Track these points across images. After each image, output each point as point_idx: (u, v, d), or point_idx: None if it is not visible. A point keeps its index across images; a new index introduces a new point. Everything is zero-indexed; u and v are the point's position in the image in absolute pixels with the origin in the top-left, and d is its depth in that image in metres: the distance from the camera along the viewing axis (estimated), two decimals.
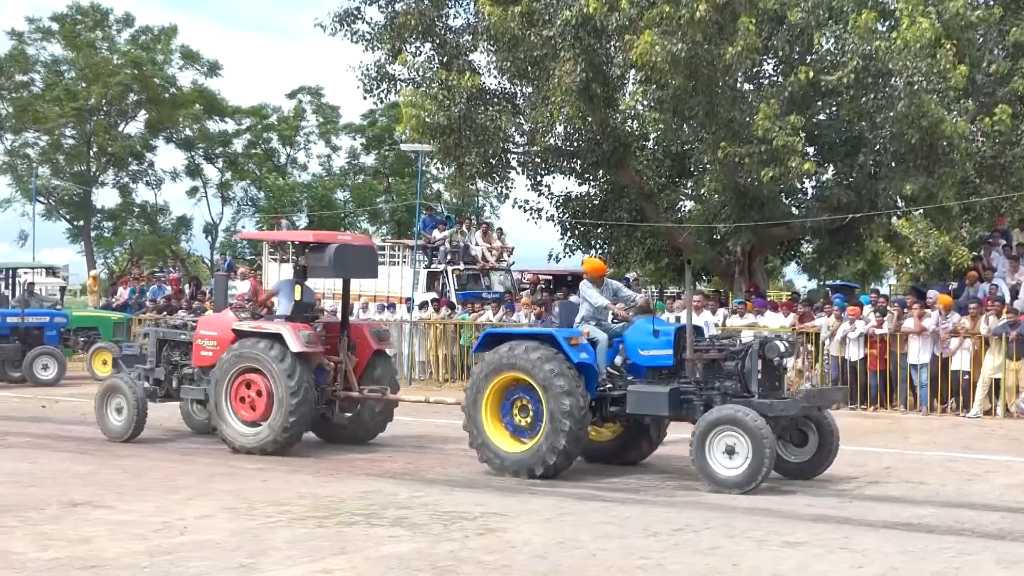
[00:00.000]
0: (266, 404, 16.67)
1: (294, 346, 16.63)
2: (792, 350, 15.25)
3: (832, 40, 25.83)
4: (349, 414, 18.07)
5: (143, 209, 66.86)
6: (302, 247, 18.19)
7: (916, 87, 24.05)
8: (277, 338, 16.77)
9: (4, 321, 28.72)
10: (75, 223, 64.79)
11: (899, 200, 27.33)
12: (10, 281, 33.08)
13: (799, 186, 29.21)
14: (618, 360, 15.29)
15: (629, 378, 15.06)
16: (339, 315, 19.14)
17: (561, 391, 14.19)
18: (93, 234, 64.91)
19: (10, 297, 31.45)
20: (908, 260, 37.43)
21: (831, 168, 29.79)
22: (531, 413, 14.69)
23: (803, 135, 25.66)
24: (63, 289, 44.41)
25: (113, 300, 38.48)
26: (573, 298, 17.05)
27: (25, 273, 36.05)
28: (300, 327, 16.96)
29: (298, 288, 17.57)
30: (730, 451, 13.47)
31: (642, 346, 14.85)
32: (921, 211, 25.75)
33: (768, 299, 28.17)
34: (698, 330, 15.42)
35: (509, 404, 14.92)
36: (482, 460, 15.03)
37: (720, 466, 13.53)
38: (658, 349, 14.70)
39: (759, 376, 14.22)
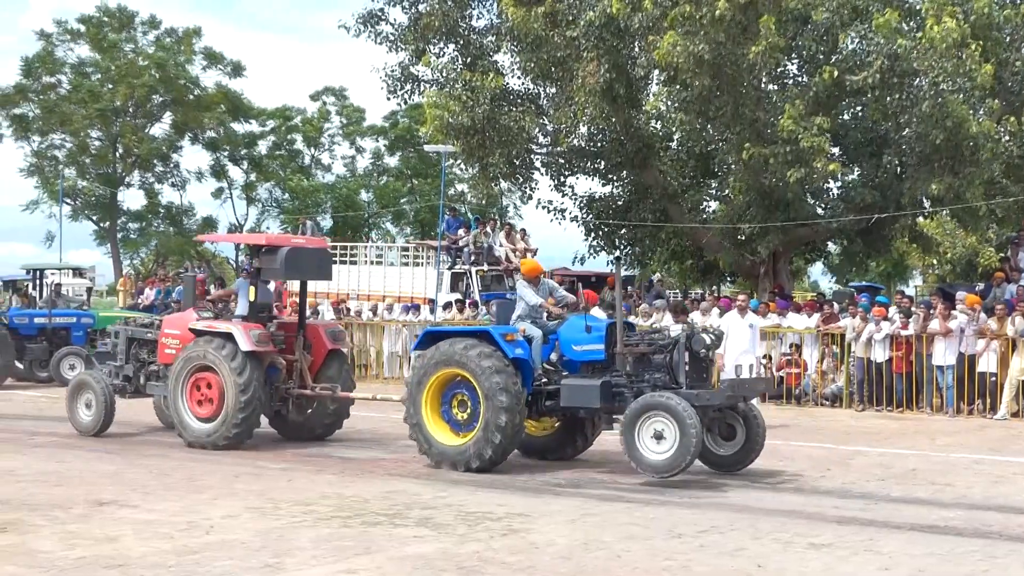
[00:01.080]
0: (218, 401, 17.22)
1: (244, 345, 17.14)
2: (718, 343, 15.78)
3: (857, 40, 25.75)
4: (309, 411, 18.57)
5: (168, 210, 67.15)
6: (256, 250, 18.55)
7: (941, 87, 23.96)
8: (229, 337, 17.31)
9: (32, 322, 28.88)
10: (101, 224, 65.11)
11: (925, 200, 27.23)
12: (38, 282, 33.28)
13: (824, 187, 29.12)
14: (553, 356, 15.79)
15: (563, 373, 15.56)
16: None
17: (499, 389, 14.71)
18: (119, 235, 65.21)
19: (38, 298, 31.65)
20: (935, 261, 37.26)
21: (856, 168, 29.69)
22: (469, 408, 15.20)
23: (828, 135, 25.59)
24: (90, 290, 44.66)
25: (139, 301, 38.65)
26: (509, 296, 17.42)
27: (52, 274, 36.27)
28: (251, 327, 17.46)
29: (252, 289, 18.01)
30: (658, 436, 13.90)
31: (575, 342, 15.37)
32: (947, 211, 25.63)
33: (791, 300, 28.06)
34: (629, 325, 15.95)
35: (448, 399, 15.42)
36: (422, 453, 15.59)
37: (648, 451, 13.94)
38: (590, 344, 15.23)
39: (687, 368, 14.75)
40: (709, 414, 14.62)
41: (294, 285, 35.24)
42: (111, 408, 18.74)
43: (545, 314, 15.96)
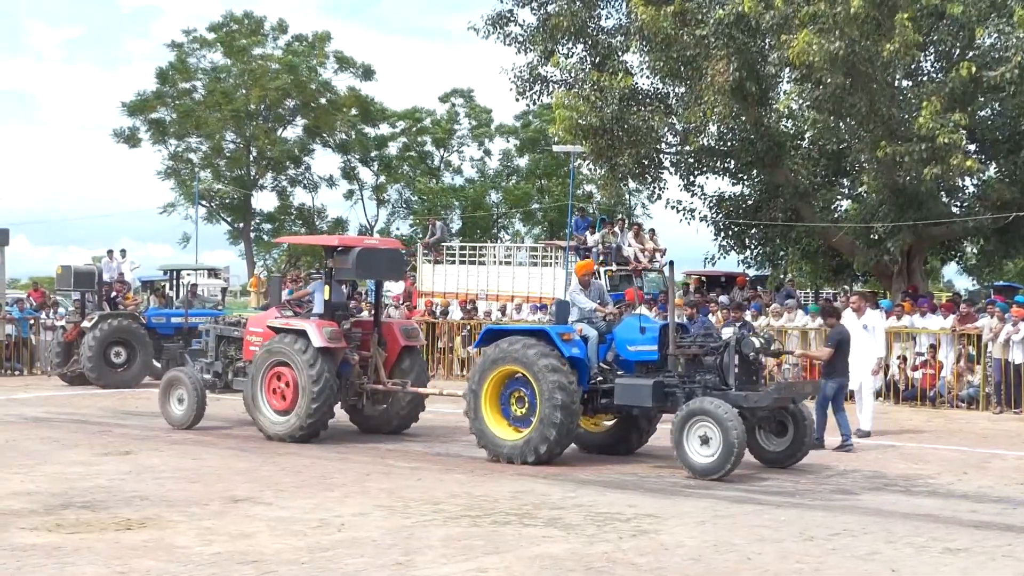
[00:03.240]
0: (293, 394, 17.93)
1: (316, 341, 17.80)
2: (768, 346, 15.99)
3: (995, 35, 25.18)
4: (384, 406, 19.15)
5: (300, 212, 68.19)
6: (330, 251, 19.10)
7: None
8: (303, 334, 18.00)
9: (169, 321, 29.48)
10: (235, 226, 66.34)
11: None
12: (174, 282, 34.00)
13: (960, 184, 28.54)
14: (609, 356, 16.23)
15: (618, 372, 16.11)
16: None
17: (556, 389, 15.26)
18: (252, 236, 66.38)
19: (174, 298, 32.31)
20: None
21: (993, 166, 29.05)
22: (527, 404, 15.77)
23: (964, 132, 25.05)
24: (224, 290, 45.45)
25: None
26: (567, 296, 17.77)
27: (188, 275, 37.04)
28: (325, 324, 18.04)
29: (327, 288, 18.60)
30: (704, 440, 14.49)
31: (630, 342, 15.91)
32: None
33: (930, 298, 27.53)
34: (682, 327, 16.38)
35: (507, 396, 16.03)
36: (480, 446, 16.13)
37: (696, 454, 14.55)
38: (644, 345, 15.78)
39: (736, 370, 15.24)
40: (758, 414, 15.18)
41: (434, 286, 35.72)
42: (202, 403, 19.51)
43: (600, 316, 16.54)
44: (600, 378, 16.08)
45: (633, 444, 16.90)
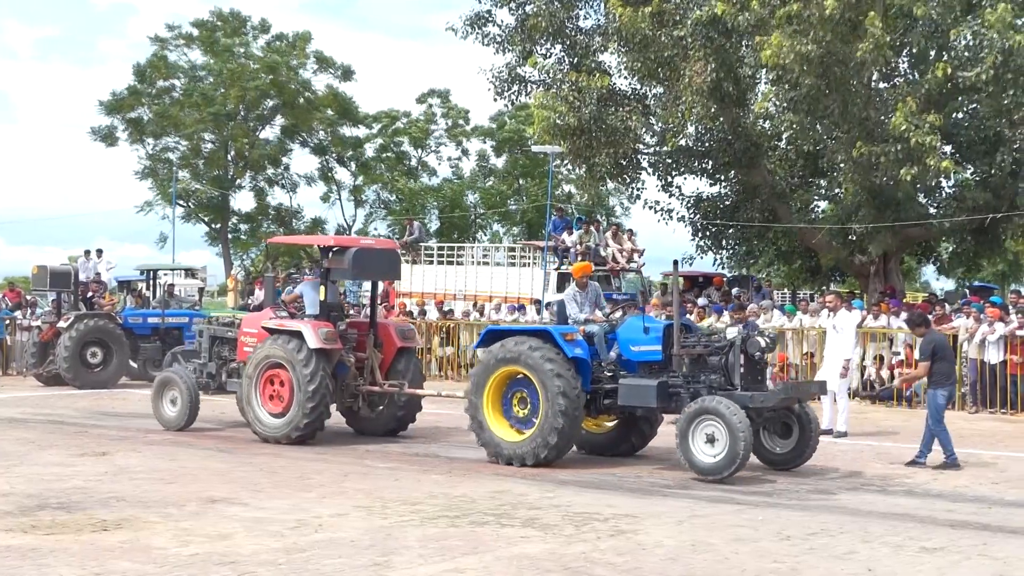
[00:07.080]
0: (289, 396, 17.77)
1: (312, 342, 17.61)
2: (772, 346, 15.95)
3: (969, 36, 25.26)
4: (380, 408, 19.05)
5: (278, 212, 68.06)
6: (326, 251, 18.97)
7: None
8: (298, 335, 17.83)
9: (145, 322, 29.38)
10: (213, 226, 66.15)
11: None
12: (151, 283, 33.87)
13: (936, 186, 28.62)
14: (612, 355, 16.07)
15: (622, 372, 15.91)
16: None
17: (559, 392, 15.13)
18: (230, 236, 66.22)
19: (151, 298, 32.21)
20: None
21: (969, 167, 29.15)
22: (529, 405, 15.67)
23: (939, 133, 25.11)
24: (201, 290, 45.29)
25: (250, 301, 39.14)
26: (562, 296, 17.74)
27: (165, 275, 36.91)
28: (320, 325, 17.89)
29: (322, 289, 18.43)
30: (711, 439, 14.29)
31: (633, 342, 15.77)
32: None
33: (903, 299, 27.61)
34: (687, 327, 16.23)
35: (509, 397, 15.94)
36: (490, 455, 15.94)
37: (702, 453, 14.35)
38: (648, 345, 15.62)
39: (742, 370, 15.13)
40: (764, 414, 15.06)
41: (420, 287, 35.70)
42: (195, 404, 19.37)
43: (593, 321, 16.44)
44: (608, 373, 15.88)
45: (635, 445, 16.79)
